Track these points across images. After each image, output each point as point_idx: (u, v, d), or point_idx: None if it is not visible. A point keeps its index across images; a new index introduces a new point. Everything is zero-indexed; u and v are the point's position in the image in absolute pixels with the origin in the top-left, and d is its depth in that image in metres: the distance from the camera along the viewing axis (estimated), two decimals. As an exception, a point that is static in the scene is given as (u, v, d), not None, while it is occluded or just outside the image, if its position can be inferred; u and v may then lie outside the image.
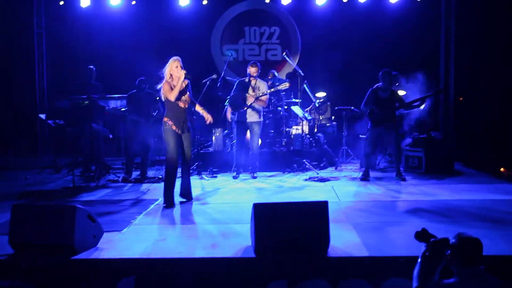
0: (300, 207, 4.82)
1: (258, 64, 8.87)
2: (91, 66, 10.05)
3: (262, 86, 8.76)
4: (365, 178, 8.60)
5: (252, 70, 8.70)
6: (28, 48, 12.44)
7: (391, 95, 8.56)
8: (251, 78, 8.75)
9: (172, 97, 6.63)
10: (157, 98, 8.96)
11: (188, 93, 6.89)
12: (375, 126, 8.59)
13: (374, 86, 8.68)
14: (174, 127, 6.71)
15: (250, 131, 8.86)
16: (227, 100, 9.05)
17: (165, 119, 6.76)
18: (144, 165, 9.00)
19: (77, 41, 12.38)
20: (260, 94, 8.63)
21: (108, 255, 4.76)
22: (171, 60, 6.77)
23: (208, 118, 7.19)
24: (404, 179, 8.47)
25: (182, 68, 6.73)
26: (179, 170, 7.05)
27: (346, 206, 6.64)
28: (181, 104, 6.77)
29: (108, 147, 10.81)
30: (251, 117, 8.75)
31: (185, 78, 6.69)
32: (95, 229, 4.96)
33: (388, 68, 8.61)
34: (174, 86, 6.67)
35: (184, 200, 7.00)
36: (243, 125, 8.84)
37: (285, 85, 8.90)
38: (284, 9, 12.73)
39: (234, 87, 8.94)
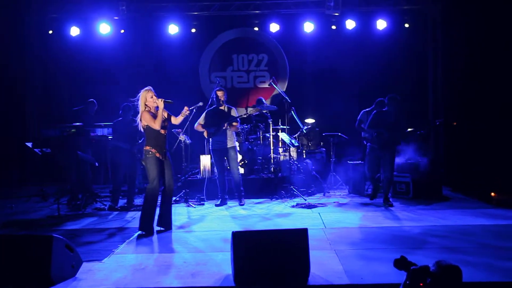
0: (280, 235, 4.78)
1: (224, 89, 9.04)
2: (92, 99, 10.08)
3: (232, 112, 8.84)
4: (373, 197, 8.80)
5: (219, 93, 8.82)
6: (17, 76, 12.45)
7: (397, 120, 8.56)
8: (220, 106, 8.82)
9: (156, 125, 6.65)
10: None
11: (167, 122, 6.92)
12: (376, 149, 8.56)
13: (368, 109, 8.68)
14: (157, 154, 6.70)
15: (227, 157, 8.86)
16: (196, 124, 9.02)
17: (147, 147, 6.73)
18: (130, 193, 8.96)
19: (66, 69, 12.48)
20: (235, 117, 8.71)
21: (86, 286, 4.68)
22: (143, 91, 6.75)
23: (186, 110, 7.04)
24: (391, 205, 8.44)
25: (157, 97, 6.74)
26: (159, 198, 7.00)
27: (331, 233, 6.58)
28: (162, 131, 6.80)
29: (95, 175, 10.77)
30: (226, 144, 8.79)
31: (166, 103, 6.71)
32: (73, 259, 4.89)
33: (394, 94, 8.65)
34: (154, 115, 6.70)
35: (162, 229, 6.91)
36: (219, 153, 8.86)
37: (256, 110, 9.17)
38: (272, 37, 12.85)
39: (204, 116, 8.95)
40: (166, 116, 6.88)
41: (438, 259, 3.16)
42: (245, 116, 9.01)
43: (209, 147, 9.47)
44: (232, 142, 8.84)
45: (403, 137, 8.88)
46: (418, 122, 11.43)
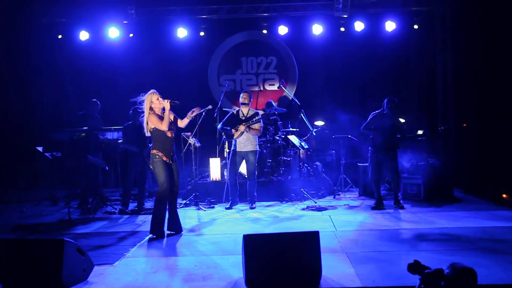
0: (291, 237, 4.76)
1: (249, 91, 9.02)
2: (95, 100, 10.10)
3: (255, 115, 8.80)
4: (377, 207, 8.49)
5: (243, 96, 8.83)
6: (27, 80, 12.53)
7: (395, 123, 8.54)
8: (243, 108, 8.81)
9: (164, 126, 6.64)
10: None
11: (174, 125, 6.91)
12: (376, 151, 8.55)
13: (377, 112, 8.65)
14: (164, 158, 6.69)
15: (246, 160, 8.84)
16: (219, 125, 8.99)
17: (154, 151, 6.72)
18: (141, 196, 8.96)
19: (76, 74, 12.55)
20: (251, 122, 8.67)
21: (97, 289, 4.69)
22: (148, 95, 6.74)
23: (194, 110, 6.99)
24: (402, 207, 8.39)
25: (162, 99, 6.74)
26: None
27: (342, 236, 6.55)
28: (169, 134, 6.78)
29: (106, 179, 10.79)
30: (246, 146, 8.75)
31: (172, 104, 6.71)
32: (85, 263, 4.90)
33: (391, 96, 8.61)
34: (160, 117, 6.70)
35: (173, 233, 6.91)
36: (238, 155, 8.83)
37: (273, 114, 9.21)
38: (281, 39, 12.82)
39: (226, 117, 8.96)
40: (172, 119, 6.87)
41: (452, 262, 3.13)
42: (258, 118, 8.90)
43: (218, 150, 9.51)
44: (253, 145, 8.79)
45: (402, 140, 8.80)
46: (427, 124, 11.39)
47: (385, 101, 8.59)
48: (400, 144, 8.96)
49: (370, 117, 8.65)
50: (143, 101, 6.76)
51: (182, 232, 6.97)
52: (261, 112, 9.10)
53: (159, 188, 6.73)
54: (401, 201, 8.56)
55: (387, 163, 8.55)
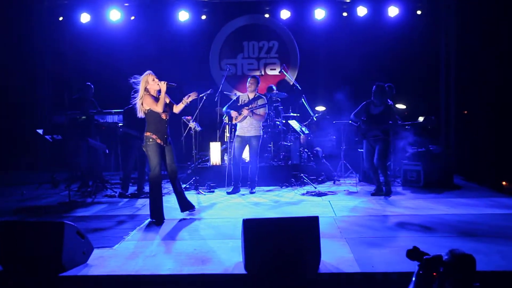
0: (291, 222, 4.75)
1: (257, 77, 8.92)
2: (89, 83, 10.07)
3: (260, 101, 8.75)
4: (376, 193, 8.45)
5: (250, 81, 8.79)
6: (28, 63, 12.48)
7: (386, 110, 8.37)
8: (249, 94, 8.78)
9: (159, 108, 6.57)
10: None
11: (169, 108, 6.86)
12: (363, 138, 8.51)
13: (370, 100, 8.57)
14: (158, 140, 6.64)
15: (249, 145, 8.82)
16: (225, 108, 8.97)
17: (148, 133, 6.65)
18: (140, 180, 8.96)
19: (77, 56, 12.50)
20: (255, 106, 8.64)
21: (97, 272, 4.69)
22: (145, 76, 6.65)
23: (191, 95, 6.91)
24: (390, 192, 8.34)
25: (159, 80, 6.68)
26: (170, 186, 6.97)
27: (341, 221, 6.57)
28: (164, 116, 6.70)
29: (106, 162, 10.79)
30: (249, 131, 8.72)
31: (169, 87, 6.65)
32: (84, 246, 4.91)
33: (381, 82, 8.49)
34: (155, 98, 6.65)
35: (188, 212, 7.01)
36: (242, 139, 8.81)
37: (276, 101, 9.27)
38: (283, 24, 12.75)
39: (232, 101, 8.95)
40: (168, 102, 6.81)
41: (451, 248, 3.13)
42: (260, 106, 8.83)
43: (219, 134, 9.49)
44: (256, 130, 8.76)
45: (391, 127, 8.63)
46: (429, 110, 11.33)
47: (373, 87, 8.45)
48: (395, 131, 8.90)
49: (361, 104, 8.57)
50: (139, 82, 6.70)
51: (185, 214, 7.01)
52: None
53: (151, 173, 6.68)
54: (391, 188, 8.45)
55: (376, 150, 8.41)
